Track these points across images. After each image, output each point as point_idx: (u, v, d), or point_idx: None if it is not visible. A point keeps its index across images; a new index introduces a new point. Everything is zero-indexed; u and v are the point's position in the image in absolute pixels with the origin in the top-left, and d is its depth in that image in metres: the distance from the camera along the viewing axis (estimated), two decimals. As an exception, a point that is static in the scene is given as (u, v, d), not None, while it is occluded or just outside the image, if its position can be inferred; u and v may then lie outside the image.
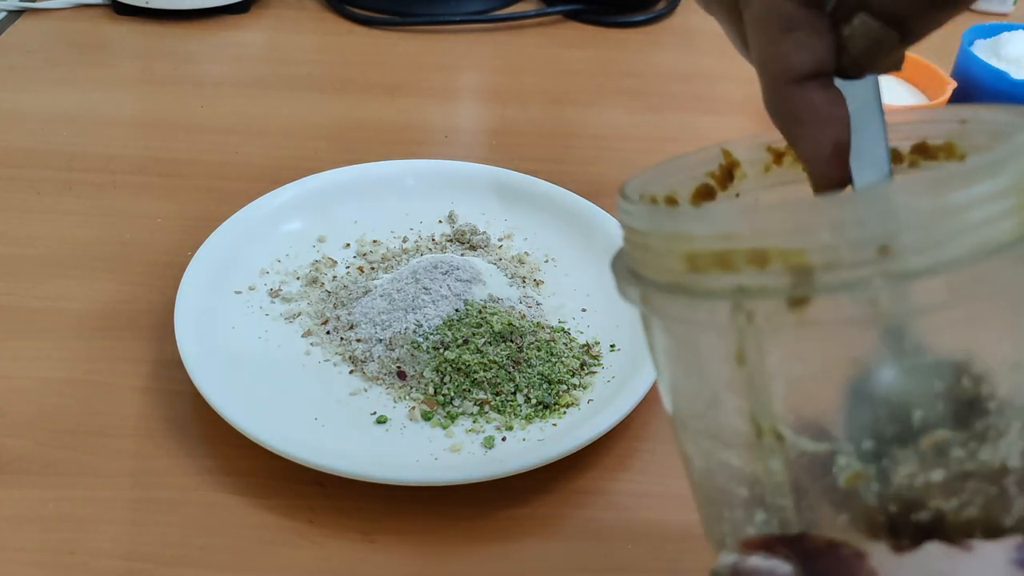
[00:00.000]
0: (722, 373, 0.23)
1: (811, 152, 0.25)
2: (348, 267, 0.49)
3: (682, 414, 0.25)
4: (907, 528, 0.22)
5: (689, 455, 0.26)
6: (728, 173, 0.29)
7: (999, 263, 0.19)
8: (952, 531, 0.21)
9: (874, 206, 0.19)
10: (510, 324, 0.43)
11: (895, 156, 0.27)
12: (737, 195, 0.29)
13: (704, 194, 0.29)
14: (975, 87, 0.64)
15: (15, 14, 0.75)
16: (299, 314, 0.46)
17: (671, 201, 0.28)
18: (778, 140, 0.28)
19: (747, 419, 0.22)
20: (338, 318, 0.45)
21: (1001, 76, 0.62)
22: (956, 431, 0.21)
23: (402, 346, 0.43)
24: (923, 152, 0.27)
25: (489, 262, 0.50)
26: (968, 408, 0.21)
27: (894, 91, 0.66)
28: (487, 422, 0.41)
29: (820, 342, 0.22)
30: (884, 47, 0.28)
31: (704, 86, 0.73)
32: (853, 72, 0.28)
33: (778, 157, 0.29)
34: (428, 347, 0.42)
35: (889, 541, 0.21)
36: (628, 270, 0.24)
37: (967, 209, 0.19)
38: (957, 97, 0.65)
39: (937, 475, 0.21)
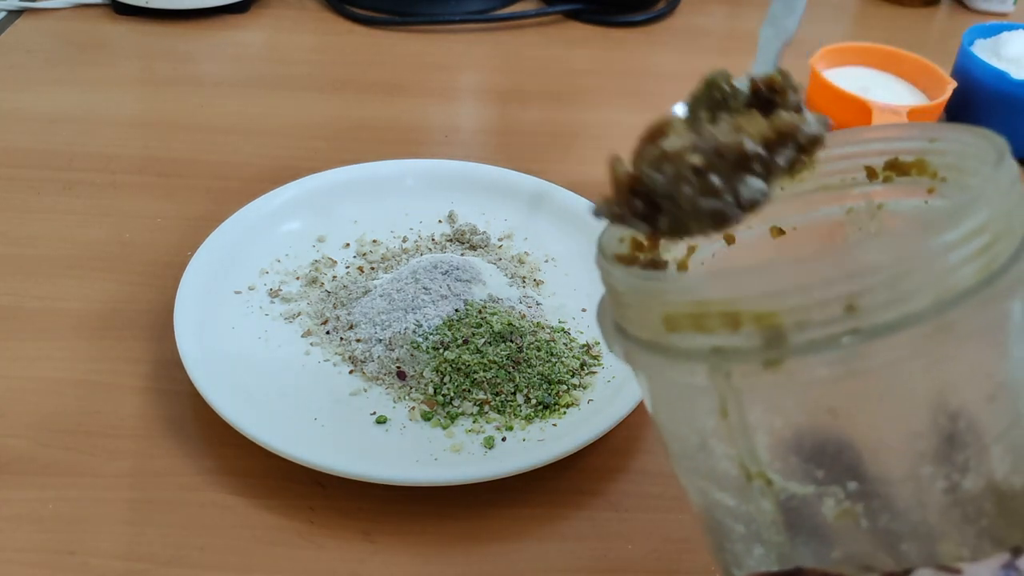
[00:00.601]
0: (707, 424, 0.23)
1: None
2: (348, 267, 0.49)
3: (674, 453, 0.26)
4: (897, 558, 0.22)
5: (686, 488, 0.26)
6: None
7: (965, 309, 0.20)
8: (941, 556, 0.22)
9: (840, 266, 0.20)
10: (510, 324, 0.43)
11: (869, 172, 0.28)
12: None
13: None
14: (975, 87, 0.64)
15: (15, 14, 0.75)
16: (299, 314, 0.46)
17: (652, 240, 0.28)
18: None
19: (736, 464, 0.23)
20: (338, 318, 0.45)
21: (1001, 76, 0.62)
22: (937, 466, 0.21)
23: (402, 346, 0.43)
24: (896, 168, 0.27)
25: (489, 262, 0.50)
26: (948, 443, 0.21)
27: (894, 91, 0.66)
28: (487, 422, 0.41)
29: (797, 396, 0.22)
30: None
31: (704, 86, 0.73)
32: None
33: None
34: (428, 347, 0.42)
35: (881, 572, 0.21)
36: (612, 323, 0.24)
37: (931, 260, 0.20)
38: (957, 97, 0.65)
39: (923, 508, 0.21)
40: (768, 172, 0.23)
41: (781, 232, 0.30)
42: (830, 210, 0.29)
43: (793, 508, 0.23)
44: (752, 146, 0.23)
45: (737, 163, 0.23)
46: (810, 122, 0.25)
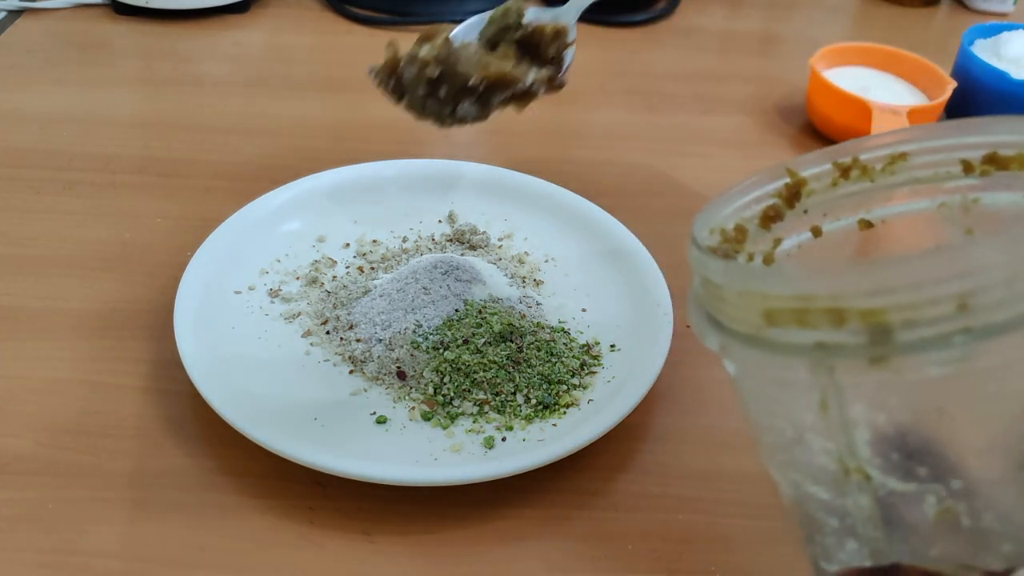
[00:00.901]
0: (806, 418, 0.23)
1: None
2: (348, 267, 0.49)
3: (767, 446, 0.26)
4: (999, 557, 0.22)
5: (777, 480, 0.26)
6: (795, 192, 0.29)
7: None
8: None
9: (953, 264, 0.19)
10: (510, 324, 0.43)
11: (965, 166, 0.28)
12: (805, 211, 0.29)
13: (771, 217, 0.29)
14: (975, 87, 0.64)
15: (15, 14, 0.75)
16: (299, 314, 0.46)
17: (740, 231, 0.28)
18: (843, 155, 0.28)
19: (833, 459, 0.23)
20: (338, 318, 0.45)
21: (1001, 76, 0.62)
22: None
23: (402, 346, 0.43)
24: (995, 162, 0.27)
25: (489, 262, 0.50)
26: None
27: (894, 91, 0.66)
28: (487, 422, 0.41)
29: (903, 394, 0.22)
30: None
31: (704, 86, 0.73)
32: None
33: (844, 172, 0.29)
34: (428, 347, 0.42)
35: (981, 571, 0.21)
36: (706, 315, 0.24)
37: None
38: (957, 97, 0.65)
39: None
40: (483, 103, 0.31)
41: (869, 225, 0.29)
42: (921, 204, 0.29)
43: (891, 504, 0.23)
44: (473, 81, 0.31)
45: (461, 87, 0.31)
46: (529, 79, 0.31)
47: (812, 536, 0.26)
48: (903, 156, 0.28)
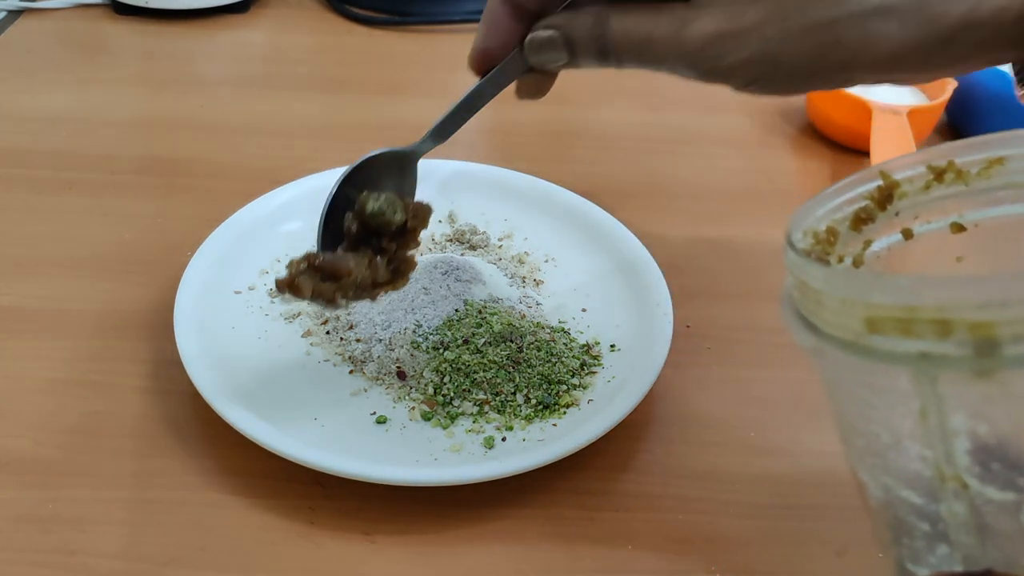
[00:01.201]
0: (903, 425, 0.23)
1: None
2: (348, 267, 0.49)
3: (857, 448, 0.25)
4: None
5: (864, 482, 0.26)
6: (887, 195, 0.29)
7: None
8: None
9: None
10: (510, 324, 0.43)
11: None
12: (896, 214, 0.29)
13: (862, 219, 0.29)
14: (975, 87, 0.64)
15: (15, 14, 0.75)
16: (299, 314, 0.46)
17: (831, 233, 0.28)
18: (937, 159, 0.28)
19: (930, 466, 0.23)
20: (338, 318, 0.45)
21: (1001, 76, 0.62)
22: None
23: (402, 346, 0.43)
24: None
25: (489, 262, 0.50)
26: None
27: (894, 90, 0.66)
28: (487, 422, 0.41)
29: (1008, 407, 0.22)
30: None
31: (704, 86, 0.73)
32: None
33: (939, 175, 0.29)
34: (428, 347, 0.42)
35: None
36: (801, 318, 0.24)
37: None
38: (957, 97, 0.65)
39: None
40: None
41: (962, 228, 0.29)
42: (1015, 208, 0.28)
43: (988, 512, 0.23)
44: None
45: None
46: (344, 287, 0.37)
47: (900, 539, 0.25)
48: (1000, 160, 0.28)
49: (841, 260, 0.28)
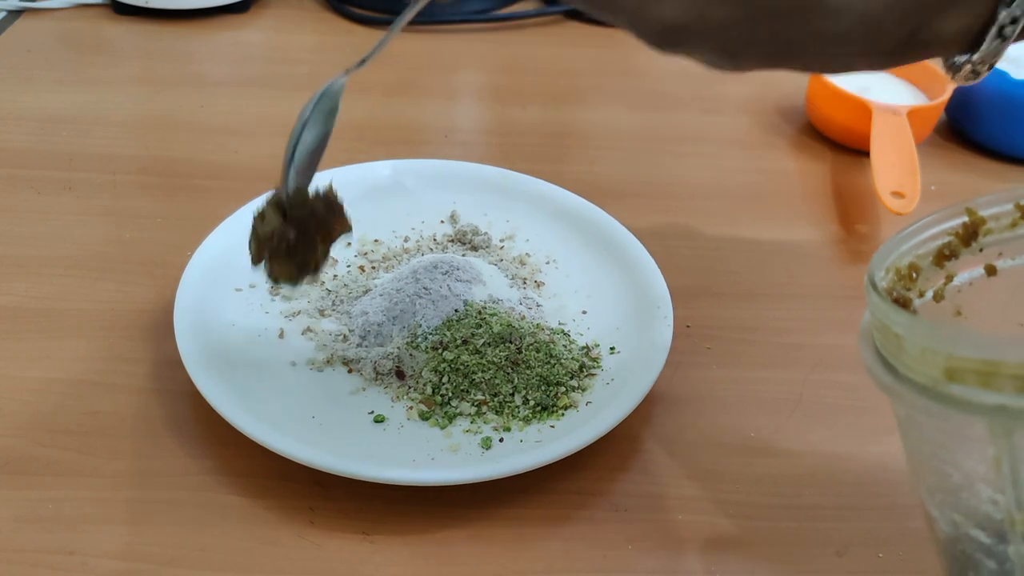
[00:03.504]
0: (975, 469, 0.23)
1: None
2: (349, 266, 0.49)
3: (928, 484, 0.26)
4: None
5: (933, 516, 0.26)
6: (972, 232, 0.29)
7: None
8: None
9: None
10: (509, 325, 0.43)
11: None
12: (980, 250, 0.29)
13: (946, 256, 0.29)
14: (975, 87, 0.64)
15: (15, 14, 0.75)
16: (298, 312, 0.46)
17: (914, 269, 0.28)
18: None
19: (1001, 510, 0.23)
20: (337, 318, 0.45)
21: (1001, 76, 0.62)
22: None
23: (401, 346, 0.43)
24: None
25: (490, 263, 0.50)
26: None
27: (894, 91, 0.66)
28: (485, 423, 0.41)
29: None
30: None
31: (704, 86, 0.73)
32: None
33: None
34: (427, 347, 0.42)
35: None
36: (879, 357, 0.24)
37: None
38: (957, 97, 0.65)
39: None
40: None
41: None
42: None
43: None
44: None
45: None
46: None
47: (966, 572, 0.26)
48: None
49: (922, 295, 0.29)
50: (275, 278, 0.37)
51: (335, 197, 0.38)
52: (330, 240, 0.38)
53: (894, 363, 0.23)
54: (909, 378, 0.23)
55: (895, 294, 0.27)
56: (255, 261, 0.37)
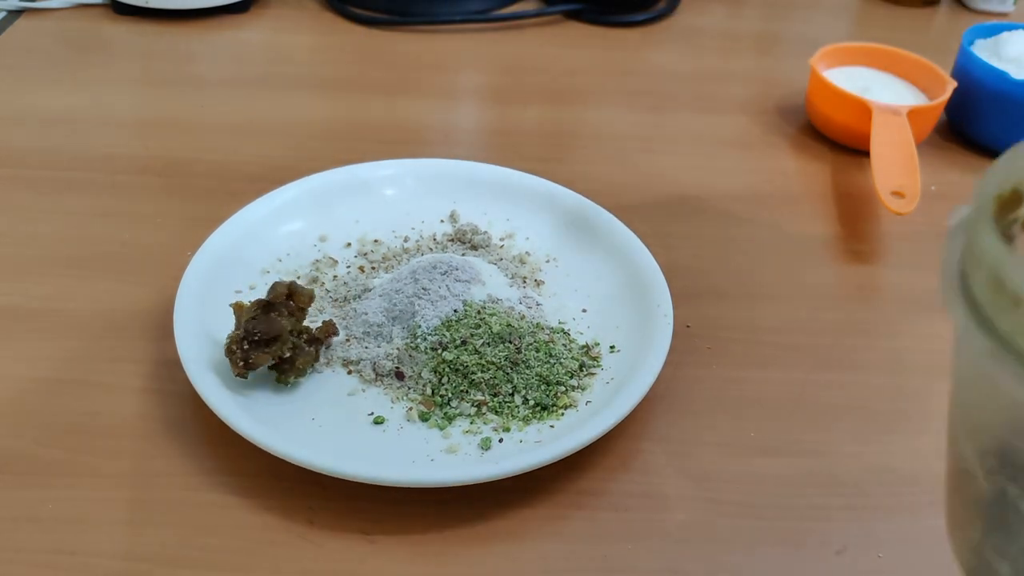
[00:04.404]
0: None
1: None
2: (349, 267, 0.49)
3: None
4: None
5: (971, 470, 0.24)
6: None
7: None
8: None
9: None
10: (509, 325, 0.43)
11: None
12: None
13: None
14: (975, 87, 0.64)
15: (15, 14, 0.75)
16: (299, 314, 0.46)
17: (1016, 193, 0.23)
18: None
19: None
20: (337, 315, 0.45)
21: (1001, 76, 0.62)
22: None
23: (400, 347, 0.43)
24: None
25: (490, 262, 0.50)
26: None
27: (895, 91, 0.66)
28: (484, 423, 0.41)
29: None
30: None
31: (704, 86, 0.73)
32: None
33: None
34: (426, 347, 0.42)
35: None
36: (973, 310, 0.20)
37: None
38: (957, 97, 0.65)
39: None
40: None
41: None
42: None
43: None
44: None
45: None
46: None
47: (993, 531, 0.24)
48: None
49: None
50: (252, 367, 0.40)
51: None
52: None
53: (998, 322, 0.19)
54: (1010, 341, 0.19)
55: (1000, 231, 0.21)
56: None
